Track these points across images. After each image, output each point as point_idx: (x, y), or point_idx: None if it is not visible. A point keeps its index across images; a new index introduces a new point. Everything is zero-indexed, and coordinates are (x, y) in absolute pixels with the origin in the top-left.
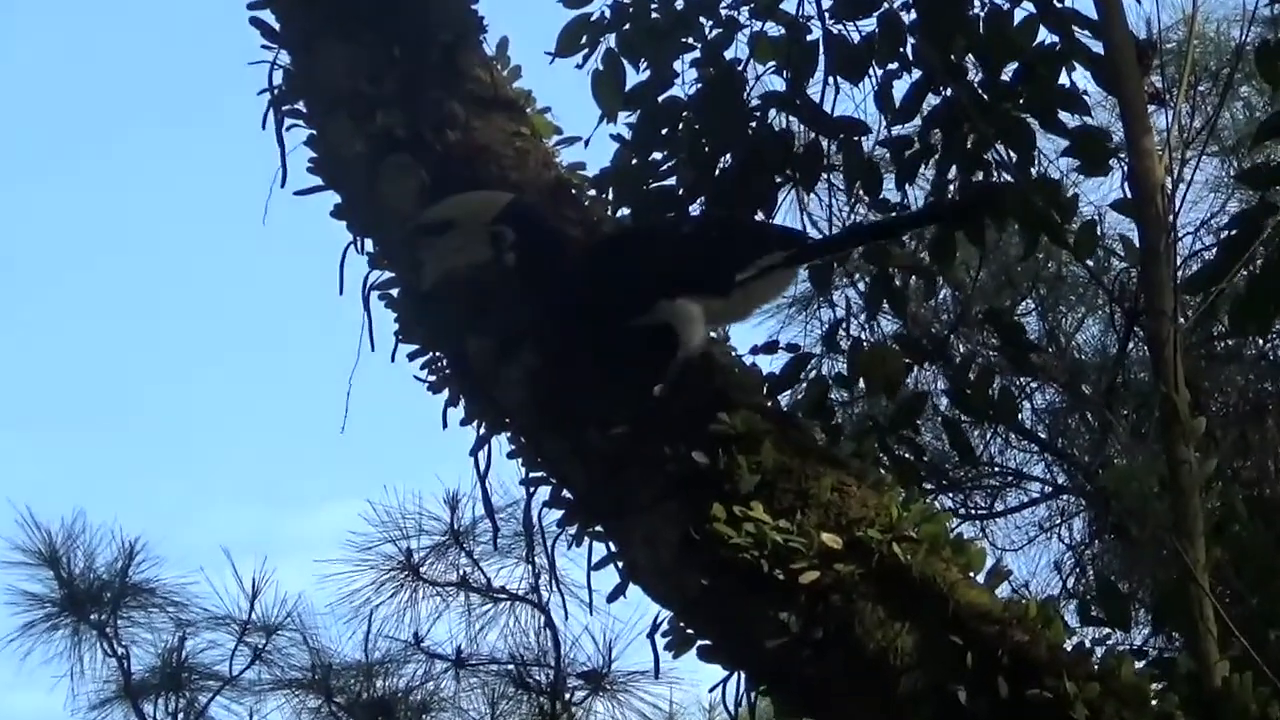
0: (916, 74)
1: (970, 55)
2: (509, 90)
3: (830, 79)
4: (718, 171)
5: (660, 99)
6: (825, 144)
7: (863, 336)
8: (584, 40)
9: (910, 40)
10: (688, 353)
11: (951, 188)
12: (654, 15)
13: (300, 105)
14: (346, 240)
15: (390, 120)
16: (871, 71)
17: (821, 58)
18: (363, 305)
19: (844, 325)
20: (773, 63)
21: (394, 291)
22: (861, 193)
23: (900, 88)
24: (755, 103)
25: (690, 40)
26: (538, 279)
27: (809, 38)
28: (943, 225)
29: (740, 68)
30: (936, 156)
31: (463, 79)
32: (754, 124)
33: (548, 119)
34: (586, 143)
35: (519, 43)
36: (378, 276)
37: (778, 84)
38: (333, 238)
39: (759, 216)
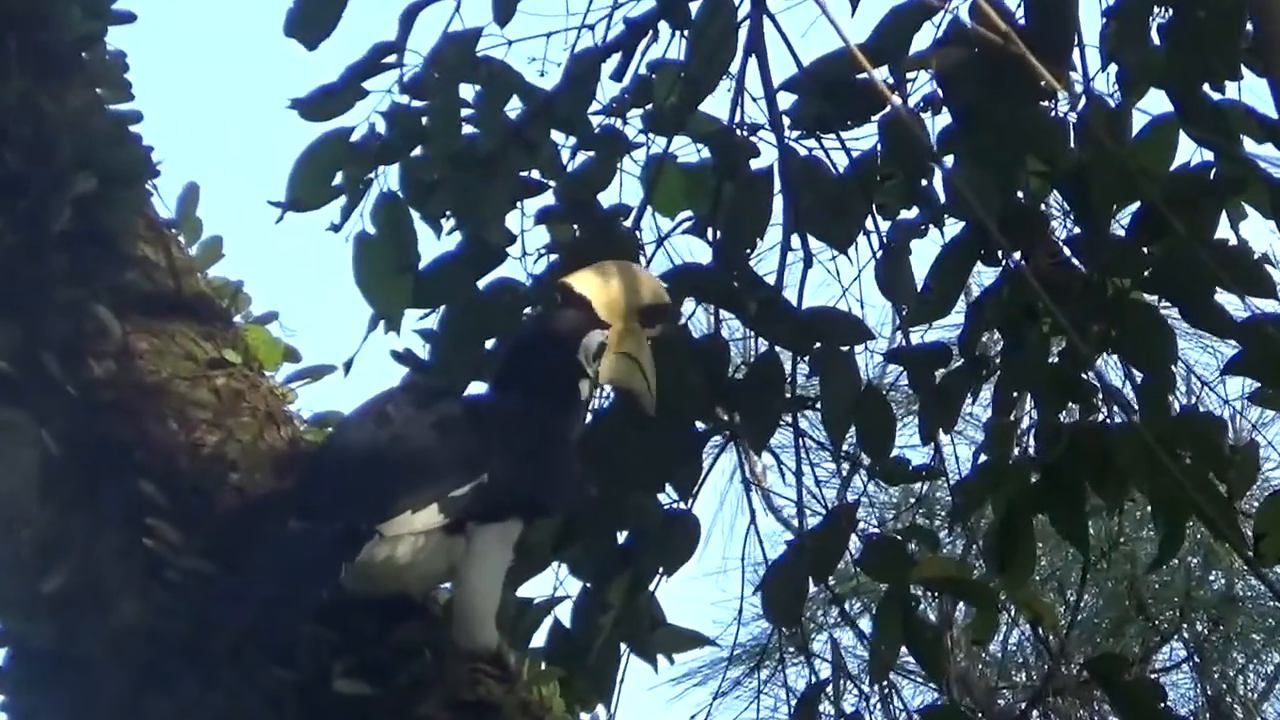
0: (954, 227)
1: (1054, 191)
2: (201, 282)
3: (795, 240)
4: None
5: (484, 283)
6: (790, 361)
7: (867, 714)
8: (337, 179)
9: (939, 166)
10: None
11: (1025, 439)
12: (466, 128)
13: None
14: None
15: None
16: (871, 225)
17: (779, 200)
18: None
19: (833, 692)
20: (687, 213)
21: None
22: (859, 450)
23: (925, 253)
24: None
25: (536, 174)
26: None
27: (753, 165)
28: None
29: (629, 223)
30: (994, 378)
31: (118, 262)
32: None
33: (274, 332)
34: (348, 369)
35: (220, 186)
36: None
37: (698, 252)
38: None
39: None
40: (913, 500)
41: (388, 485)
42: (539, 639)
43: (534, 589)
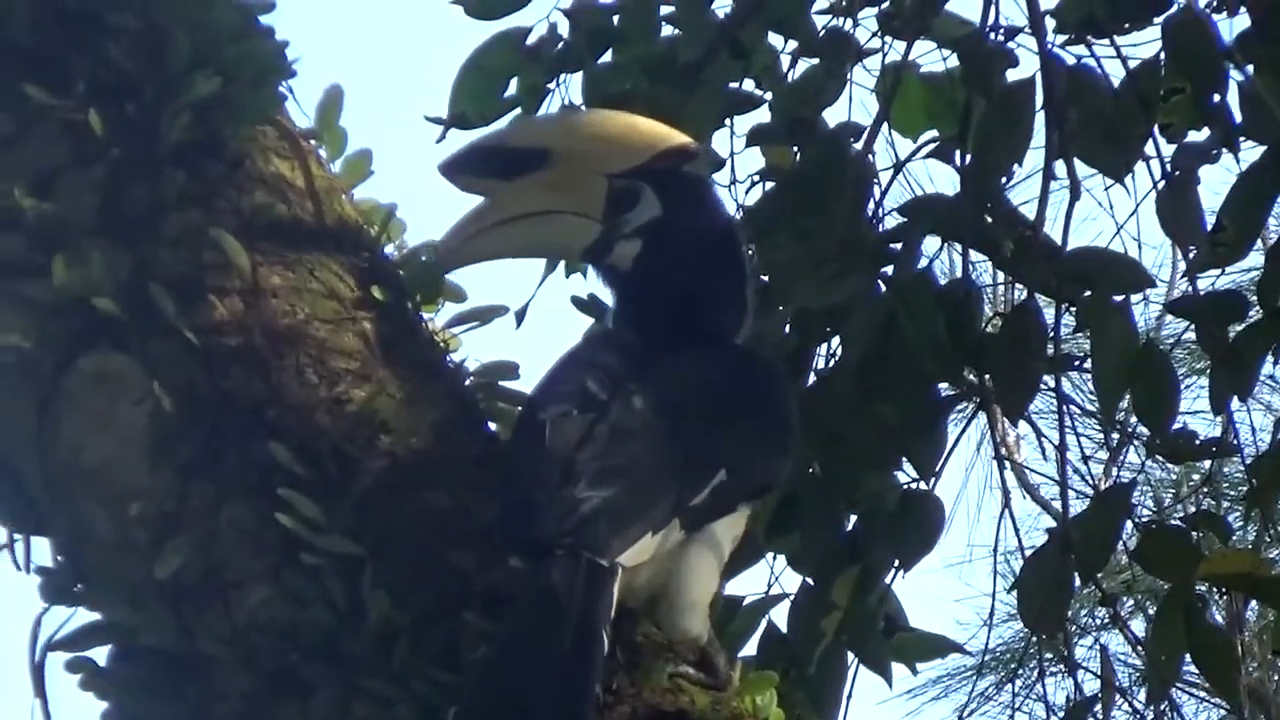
0: (1252, 151)
1: None
2: (345, 205)
3: (1060, 167)
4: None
5: None
6: (1053, 312)
7: None
8: (510, 90)
9: (1235, 77)
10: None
11: None
12: (665, 29)
13: None
14: None
15: (80, 276)
16: (1151, 149)
17: (1041, 118)
18: (34, 683)
19: (1102, 709)
20: (930, 133)
21: (96, 657)
22: (1134, 419)
23: (1217, 183)
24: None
25: (748, 85)
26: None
27: (1009, 76)
28: None
29: (860, 145)
30: None
31: (244, 181)
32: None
33: (432, 266)
34: (520, 319)
35: (368, 90)
36: (66, 624)
37: (943, 180)
38: None
39: None
40: (1199, 480)
41: (621, 506)
42: (750, 646)
43: (745, 586)
